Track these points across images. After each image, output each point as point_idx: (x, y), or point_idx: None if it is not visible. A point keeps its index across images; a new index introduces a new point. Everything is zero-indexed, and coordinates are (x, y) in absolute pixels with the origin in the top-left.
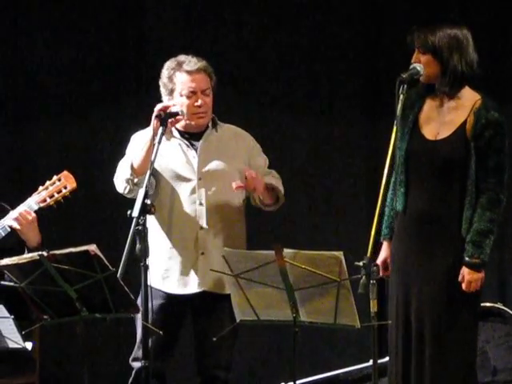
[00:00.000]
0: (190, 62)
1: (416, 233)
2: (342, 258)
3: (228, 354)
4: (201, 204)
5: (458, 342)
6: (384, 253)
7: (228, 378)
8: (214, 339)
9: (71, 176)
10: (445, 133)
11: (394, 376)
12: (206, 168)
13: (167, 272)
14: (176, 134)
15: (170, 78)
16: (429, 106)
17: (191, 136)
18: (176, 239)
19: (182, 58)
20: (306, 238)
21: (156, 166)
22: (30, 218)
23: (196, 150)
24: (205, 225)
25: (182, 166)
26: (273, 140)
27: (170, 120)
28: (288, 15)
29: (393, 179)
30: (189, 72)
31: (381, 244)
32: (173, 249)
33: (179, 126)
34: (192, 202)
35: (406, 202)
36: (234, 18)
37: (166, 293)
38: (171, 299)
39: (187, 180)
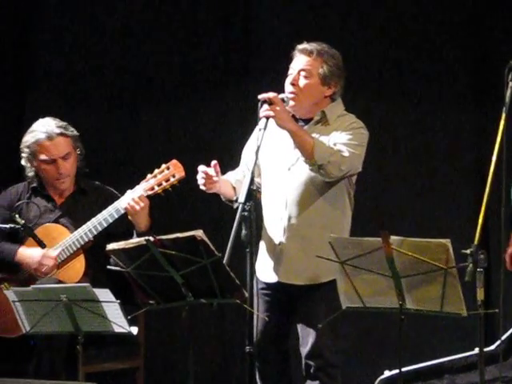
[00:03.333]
0: (302, 45)
1: None
2: (450, 245)
3: (321, 342)
4: (284, 194)
5: None
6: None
7: (322, 365)
8: (319, 326)
9: (180, 165)
10: None
11: None
12: (297, 159)
13: (259, 259)
14: None
15: None
16: None
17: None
18: (264, 228)
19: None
20: (413, 225)
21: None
22: (143, 203)
23: None
24: (284, 216)
25: (279, 154)
26: (381, 127)
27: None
28: (393, 2)
29: None
30: (298, 50)
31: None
32: (263, 237)
33: (293, 110)
34: (277, 191)
35: None
36: (340, 3)
37: (258, 279)
38: (265, 286)
39: (278, 169)
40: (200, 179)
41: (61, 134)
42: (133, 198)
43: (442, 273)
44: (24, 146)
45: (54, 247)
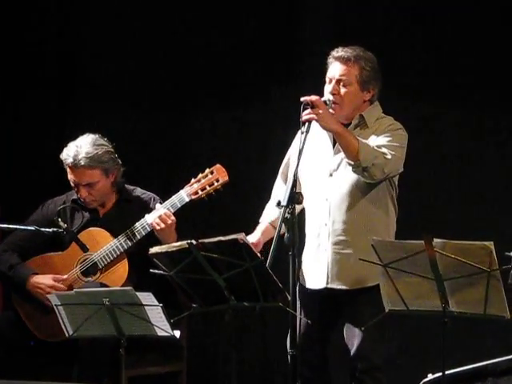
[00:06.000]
0: (338, 51)
1: None
2: (493, 248)
3: (366, 344)
4: (326, 200)
5: None
6: None
7: (368, 367)
8: (362, 329)
9: (223, 169)
10: None
11: None
12: (338, 164)
13: (305, 265)
14: None
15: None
16: None
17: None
18: (308, 234)
19: (340, 47)
20: (456, 228)
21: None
22: (170, 221)
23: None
24: (327, 221)
25: (319, 160)
26: (423, 129)
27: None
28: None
29: None
30: (334, 58)
31: None
32: (306, 243)
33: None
34: (320, 196)
35: None
36: (383, 6)
37: (302, 285)
38: (308, 291)
39: (319, 175)
40: None
41: (85, 167)
42: (159, 216)
43: (485, 275)
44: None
45: (97, 251)
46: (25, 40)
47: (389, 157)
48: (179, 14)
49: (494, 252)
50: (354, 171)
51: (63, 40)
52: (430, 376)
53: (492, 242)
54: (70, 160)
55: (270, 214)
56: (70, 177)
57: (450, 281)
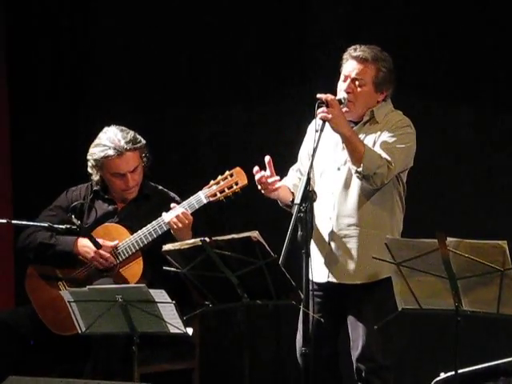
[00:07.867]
0: (356, 50)
1: None
2: (506, 247)
3: (371, 345)
4: (332, 194)
5: None
6: None
7: (374, 368)
8: (375, 327)
9: (243, 172)
10: None
11: None
12: (345, 160)
13: (312, 259)
14: None
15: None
16: None
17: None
18: (315, 227)
19: (358, 45)
20: (469, 227)
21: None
22: (187, 221)
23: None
24: (333, 215)
25: (329, 154)
26: (436, 127)
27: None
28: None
29: None
30: (351, 56)
31: None
32: (314, 236)
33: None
34: (327, 191)
35: None
36: (396, 6)
37: (311, 280)
38: (317, 286)
39: (328, 169)
40: (259, 186)
41: (130, 150)
42: (176, 216)
43: (499, 274)
44: (91, 158)
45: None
46: (39, 43)
47: (393, 166)
48: (193, 15)
49: (507, 251)
50: (357, 176)
51: (75, 41)
52: (443, 375)
53: (505, 241)
54: (111, 152)
55: (288, 177)
56: (115, 170)
57: (463, 280)
